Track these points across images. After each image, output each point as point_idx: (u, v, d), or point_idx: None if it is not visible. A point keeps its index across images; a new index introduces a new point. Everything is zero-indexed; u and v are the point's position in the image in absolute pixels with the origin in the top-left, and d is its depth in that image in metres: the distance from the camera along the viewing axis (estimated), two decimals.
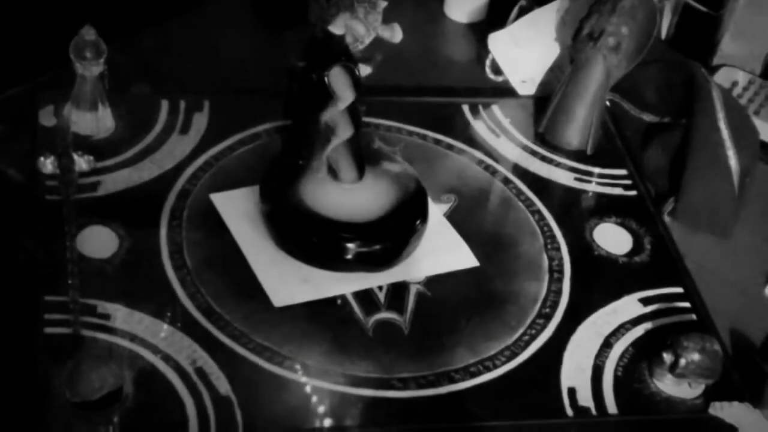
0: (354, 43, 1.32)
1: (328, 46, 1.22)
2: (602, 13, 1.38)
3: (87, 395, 1.02)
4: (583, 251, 1.31)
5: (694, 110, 1.42)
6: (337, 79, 1.21)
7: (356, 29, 1.30)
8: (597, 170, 1.42)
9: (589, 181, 1.41)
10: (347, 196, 1.23)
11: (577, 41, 1.40)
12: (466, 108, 1.48)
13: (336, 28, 1.21)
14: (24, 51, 1.42)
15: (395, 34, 1.36)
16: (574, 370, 1.17)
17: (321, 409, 1.10)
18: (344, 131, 1.21)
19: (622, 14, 1.37)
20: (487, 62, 1.55)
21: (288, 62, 1.47)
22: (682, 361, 1.14)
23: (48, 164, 1.24)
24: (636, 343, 1.21)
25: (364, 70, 1.29)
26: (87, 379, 1.02)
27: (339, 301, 1.20)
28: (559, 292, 1.25)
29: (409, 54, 1.54)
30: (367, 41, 1.39)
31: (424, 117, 1.45)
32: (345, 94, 1.20)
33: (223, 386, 1.08)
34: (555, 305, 1.23)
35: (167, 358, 1.10)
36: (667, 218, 1.38)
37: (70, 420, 1.03)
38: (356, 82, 1.21)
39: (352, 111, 1.22)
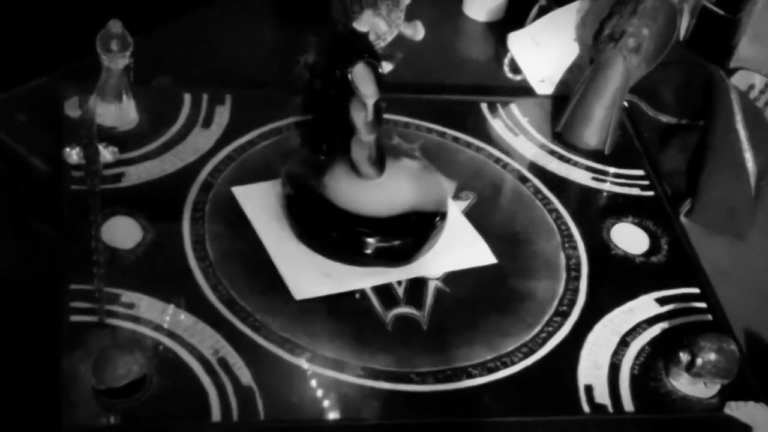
0: (376, 40, 1.33)
1: (351, 43, 1.24)
2: (623, 14, 1.39)
3: (112, 382, 1.04)
4: (601, 250, 1.32)
5: (712, 112, 1.43)
6: (361, 75, 1.22)
7: (379, 26, 1.31)
8: (614, 170, 1.43)
9: (607, 181, 1.42)
10: (368, 192, 1.25)
11: (598, 42, 1.41)
12: (484, 106, 1.49)
13: (360, 25, 1.23)
14: (49, 42, 1.43)
15: (417, 32, 1.37)
16: (591, 368, 1.18)
17: (340, 401, 1.11)
18: (368, 129, 1.22)
19: (643, 16, 1.38)
20: (506, 61, 1.56)
21: (308, 58, 1.49)
22: (699, 361, 1.15)
23: (73, 155, 1.25)
24: (652, 343, 1.22)
25: (386, 67, 1.30)
26: (113, 366, 1.03)
27: (358, 295, 1.21)
28: (576, 291, 1.26)
29: (427, 52, 1.55)
30: (390, 38, 1.40)
31: (443, 115, 1.46)
32: (368, 90, 1.22)
33: (245, 376, 1.10)
34: (572, 303, 1.25)
35: (190, 348, 1.11)
36: (683, 219, 1.39)
37: (94, 407, 1.04)
38: (379, 79, 1.23)
39: (375, 108, 1.23)
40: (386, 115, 1.36)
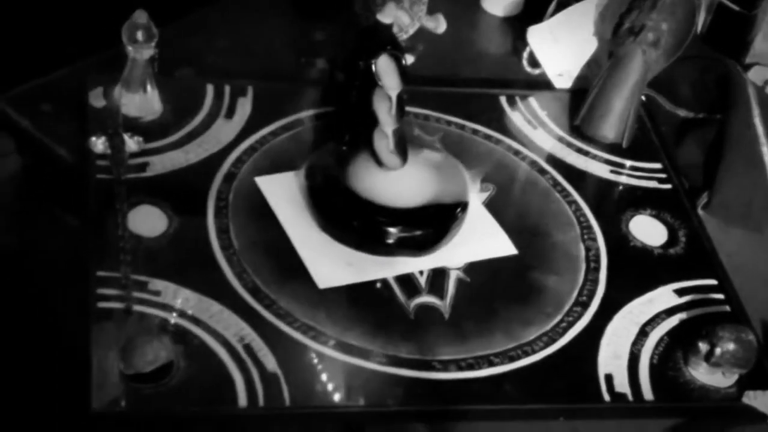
0: (399, 32, 1.35)
1: (375, 35, 1.25)
2: (643, 8, 1.40)
3: (140, 368, 1.05)
4: (619, 242, 1.33)
5: (730, 107, 1.45)
6: (384, 67, 1.23)
7: (401, 19, 1.32)
8: (632, 163, 1.44)
9: (625, 174, 1.43)
10: (390, 182, 1.26)
11: (617, 36, 1.42)
12: (503, 99, 1.51)
13: (384, 17, 1.24)
14: (74, 33, 1.44)
15: (439, 25, 1.38)
16: (611, 357, 1.19)
17: (363, 387, 1.12)
18: (390, 120, 1.23)
19: (663, 10, 1.40)
20: (525, 55, 1.57)
21: (330, 51, 1.50)
22: (718, 351, 1.17)
23: (99, 144, 1.27)
24: (671, 333, 1.23)
25: (408, 59, 1.32)
26: (141, 352, 1.05)
27: (379, 285, 1.23)
28: (595, 281, 1.27)
29: (446, 46, 1.56)
30: (411, 31, 1.42)
31: (462, 107, 1.47)
32: (392, 82, 1.23)
33: (270, 363, 1.11)
34: (591, 294, 1.26)
35: (216, 335, 1.12)
36: (701, 212, 1.40)
37: (122, 391, 1.06)
38: (402, 71, 1.24)
39: (398, 99, 1.24)
40: (407, 107, 1.37)
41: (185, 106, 1.37)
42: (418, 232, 1.25)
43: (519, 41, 1.59)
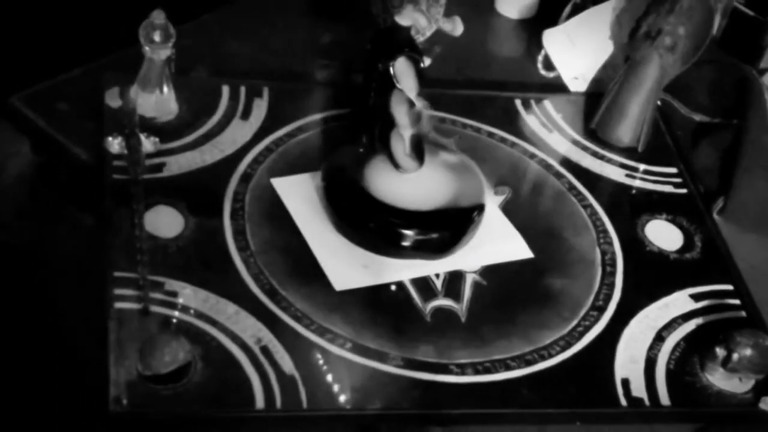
0: (416, 34, 1.35)
1: (393, 37, 1.25)
2: (660, 12, 1.40)
3: (158, 368, 1.05)
4: (635, 246, 1.33)
5: (746, 111, 1.44)
6: (402, 69, 1.23)
7: (419, 21, 1.32)
8: (648, 168, 1.44)
9: (641, 178, 1.43)
10: (407, 185, 1.26)
11: (634, 40, 1.42)
12: (518, 102, 1.50)
13: (402, 19, 1.24)
14: (89, 32, 1.44)
15: (456, 27, 1.38)
16: (628, 362, 1.19)
17: (380, 390, 1.12)
18: (408, 122, 1.23)
19: (680, 15, 1.39)
20: (539, 58, 1.57)
21: (348, 53, 1.50)
22: (735, 356, 1.17)
23: (115, 144, 1.27)
24: (687, 338, 1.23)
25: (425, 61, 1.31)
26: (159, 353, 1.04)
27: (396, 288, 1.22)
28: (611, 286, 1.27)
29: (460, 48, 1.55)
30: (429, 33, 1.42)
31: (478, 110, 1.47)
32: (409, 84, 1.23)
33: (287, 365, 1.11)
34: (608, 298, 1.26)
35: (233, 336, 1.12)
36: (716, 217, 1.40)
37: (140, 392, 1.05)
38: (420, 74, 1.24)
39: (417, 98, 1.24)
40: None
41: (201, 106, 1.37)
42: (435, 235, 1.24)
43: (533, 44, 1.59)
